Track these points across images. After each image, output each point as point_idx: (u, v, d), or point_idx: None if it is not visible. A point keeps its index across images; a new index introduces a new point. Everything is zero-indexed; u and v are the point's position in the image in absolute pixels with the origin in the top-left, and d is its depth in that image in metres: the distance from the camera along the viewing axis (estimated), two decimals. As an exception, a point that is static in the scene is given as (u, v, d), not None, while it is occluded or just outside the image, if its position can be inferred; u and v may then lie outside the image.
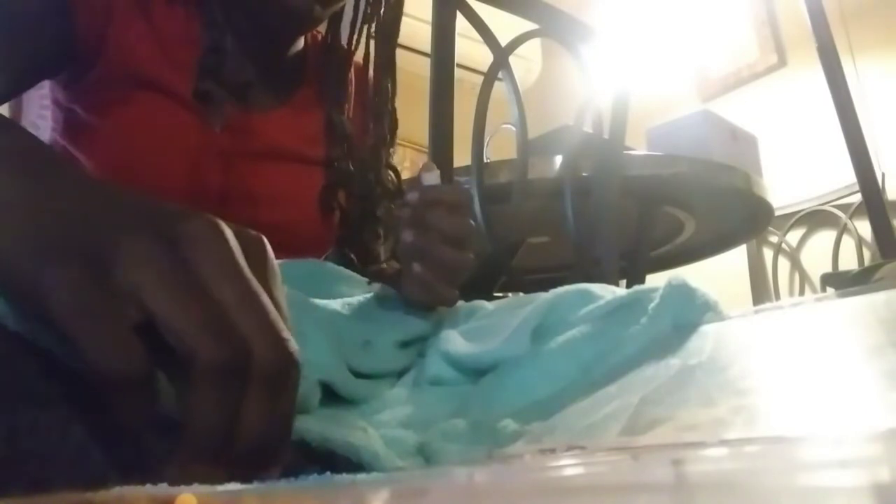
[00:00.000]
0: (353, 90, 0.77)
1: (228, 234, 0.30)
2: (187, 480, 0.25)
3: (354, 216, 0.72)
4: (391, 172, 0.74)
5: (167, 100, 0.63)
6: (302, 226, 0.69)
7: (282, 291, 0.32)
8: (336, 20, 0.75)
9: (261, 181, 0.66)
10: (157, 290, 0.27)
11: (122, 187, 0.33)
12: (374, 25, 0.73)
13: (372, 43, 0.73)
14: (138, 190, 0.33)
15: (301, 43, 0.74)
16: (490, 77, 1.10)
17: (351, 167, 0.72)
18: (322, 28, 0.76)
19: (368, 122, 0.73)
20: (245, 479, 0.28)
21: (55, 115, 0.66)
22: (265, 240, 0.33)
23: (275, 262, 0.32)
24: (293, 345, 0.30)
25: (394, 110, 0.74)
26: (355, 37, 0.74)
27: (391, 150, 0.74)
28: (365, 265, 0.71)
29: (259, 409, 0.29)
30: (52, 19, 0.61)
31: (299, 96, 0.73)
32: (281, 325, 0.30)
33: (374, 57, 0.73)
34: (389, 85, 0.73)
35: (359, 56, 0.76)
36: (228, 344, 0.28)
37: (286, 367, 0.29)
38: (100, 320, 0.27)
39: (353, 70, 0.76)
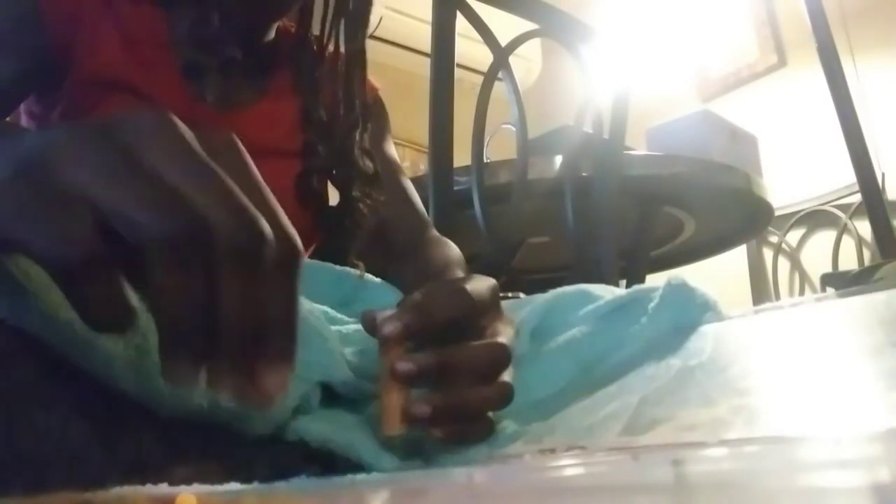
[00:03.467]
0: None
1: (178, 123, 0.28)
2: (187, 480, 0.25)
3: (334, 206, 0.71)
4: (366, 157, 0.73)
5: (136, 101, 0.62)
6: None
7: (263, 191, 0.29)
8: (307, 12, 0.75)
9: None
10: (98, 178, 0.26)
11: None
12: (343, 19, 0.73)
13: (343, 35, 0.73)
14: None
15: (273, 32, 0.74)
16: (490, 77, 1.10)
17: (328, 154, 0.71)
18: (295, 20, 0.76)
19: (340, 109, 0.73)
20: (241, 372, 0.27)
21: (30, 126, 0.66)
22: (235, 139, 0.30)
23: (251, 164, 0.30)
24: (263, 222, 0.27)
25: (364, 95, 0.74)
26: (327, 29, 0.74)
27: (364, 133, 0.74)
28: (348, 255, 0.69)
29: (233, 288, 0.27)
30: (27, 35, 0.61)
31: (276, 84, 0.73)
32: (244, 200, 0.27)
33: (346, 46, 0.73)
34: (359, 71, 0.73)
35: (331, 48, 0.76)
36: (177, 215, 0.26)
37: (255, 242, 0.27)
38: (46, 221, 0.26)
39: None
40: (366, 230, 0.71)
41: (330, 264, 0.59)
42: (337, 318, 0.49)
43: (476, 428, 0.41)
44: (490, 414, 0.41)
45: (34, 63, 0.62)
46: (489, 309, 0.44)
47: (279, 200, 0.29)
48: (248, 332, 0.27)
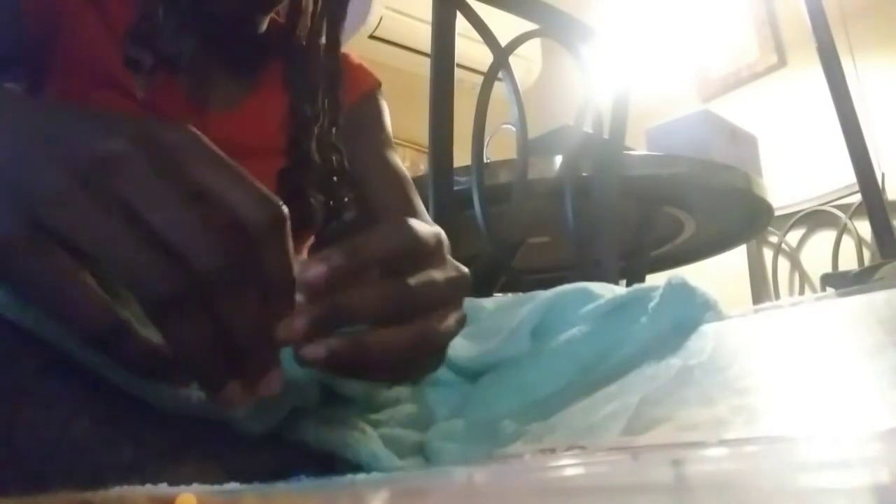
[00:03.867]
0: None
1: (131, 151, 0.28)
2: (187, 480, 0.25)
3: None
4: (336, 152, 0.73)
5: (121, 98, 0.62)
6: None
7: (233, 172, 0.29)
8: (297, 6, 0.75)
9: None
10: (88, 240, 0.27)
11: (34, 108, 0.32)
12: (328, 13, 0.73)
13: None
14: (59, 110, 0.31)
15: (265, 25, 0.74)
16: (490, 77, 1.10)
17: (313, 150, 0.71)
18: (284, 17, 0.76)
19: (324, 104, 0.73)
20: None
21: None
22: (195, 133, 0.29)
23: (214, 150, 0.29)
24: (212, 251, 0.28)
25: (336, 89, 0.74)
26: (315, 23, 0.74)
27: (332, 128, 0.74)
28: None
29: (231, 316, 0.28)
30: (2, 23, 0.61)
31: (265, 79, 0.73)
32: (215, 230, 0.28)
33: (326, 40, 0.73)
34: (333, 65, 0.74)
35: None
36: (156, 277, 0.27)
37: (226, 269, 0.28)
38: (47, 279, 0.27)
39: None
40: (317, 226, 0.71)
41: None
42: None
43: (386, 373, 0.35)
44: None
45: (8, 51, 0.62)
46: (434, 254, 0.37)
47: None
48: (262, 327, 0.30)
